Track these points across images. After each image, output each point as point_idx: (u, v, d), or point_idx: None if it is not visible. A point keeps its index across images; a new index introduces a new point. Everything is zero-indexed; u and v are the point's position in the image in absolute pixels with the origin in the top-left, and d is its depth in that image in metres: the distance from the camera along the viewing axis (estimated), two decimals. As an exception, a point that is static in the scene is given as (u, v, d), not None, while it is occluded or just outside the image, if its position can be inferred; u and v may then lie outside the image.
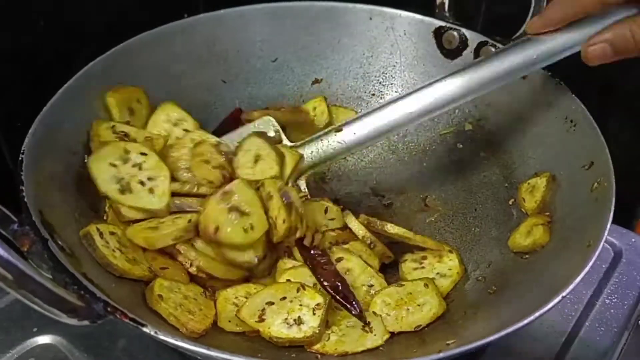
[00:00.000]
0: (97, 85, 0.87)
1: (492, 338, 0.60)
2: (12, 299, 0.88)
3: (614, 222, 0.71)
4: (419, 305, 0.76)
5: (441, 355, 0.59)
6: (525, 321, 0.61)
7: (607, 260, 0.97)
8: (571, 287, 0.64)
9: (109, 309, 0.58)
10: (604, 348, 0.86)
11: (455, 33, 1.00)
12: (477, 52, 0.98)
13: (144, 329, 0.58)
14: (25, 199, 0.67)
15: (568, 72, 0.89)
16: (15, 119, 0.81)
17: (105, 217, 0.82)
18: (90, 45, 0.90)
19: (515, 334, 0.61)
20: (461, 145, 1.01)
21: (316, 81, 1.08)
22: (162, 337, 0.57)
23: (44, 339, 0.84)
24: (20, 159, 0.71)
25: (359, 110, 1.08)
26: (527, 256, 0.81)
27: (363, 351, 0.71)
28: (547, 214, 0.82)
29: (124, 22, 0.96)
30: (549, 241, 0.79)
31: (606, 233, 0.69)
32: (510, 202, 0.90)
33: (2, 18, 0.84)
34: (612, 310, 0.91)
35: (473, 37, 0.98)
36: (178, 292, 0.74)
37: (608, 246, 0.98)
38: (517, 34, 0.94)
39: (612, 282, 0.95)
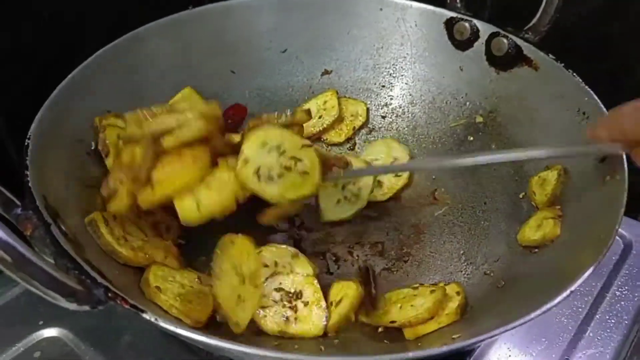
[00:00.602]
0: (104, 73, 0.87)
1: (495, 332, 0.59)
2: (18, 293, 0.87)
3: (623, 213, 0.69)
4: (412, 305, 0.75)
5: (444, 348, 0.58)
6: (531, 315, 0.60)
7: (617, 252, 0.96)
8: (579, 282, 0.62)
9: (109, 294, 0.58)
10: (614, 340, 0.85)
11: (466, 24, 0.98)
12: (488, 43, 0.97)
13: (144, 316, 0.57)
14: (30, 184, 0.67)
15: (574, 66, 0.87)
16: (18, 115, 0.81)
17: None
18: (92, 41, 0.89)
19: (525, 326, 0.60)
20: (472, 138, 0.99)
21: (326, 72, 1.07)
22: (162, 324, 0.57)
23: (50, 332, 0.84)
24: (26, 144, 0.71)
25: (369, 103, 1.07)
26: (536, 250, 0.79)
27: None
28: (558, 207, 0.81)
29: (126, 17, 0.95)
30: (559, 235, 0.77)
31: (618, 227, 0.67)
32: (520, 196, 0.88)
33: (3, 15, 0.83)
34: (623, 303, 0.89)
35: (484, 28, 0.97)
36: (173, 281, 0.74)
37: (618, 238, 0.96)
38: (528, 26, 0.93)
39: (622, 274, 0.93)
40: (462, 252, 0.88)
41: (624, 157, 0.74)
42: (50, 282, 0.53)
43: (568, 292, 0.62)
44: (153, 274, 0.73)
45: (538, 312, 0.60)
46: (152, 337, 0.83)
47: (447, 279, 0.84)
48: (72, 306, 0.55)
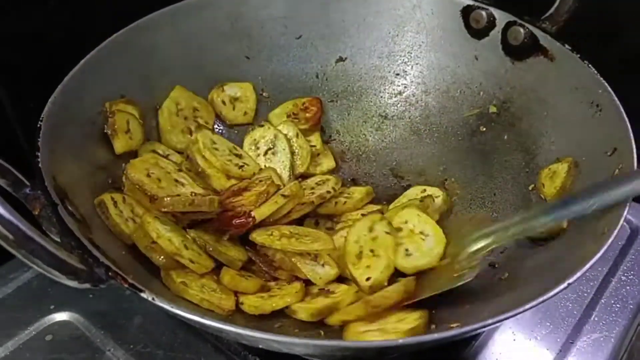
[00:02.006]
0: (118, 57, 0.88)
1: (488, 322, 0.59)
2: (30, 277, 0.90)
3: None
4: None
5: (435, 336, 0.58)
6: (527, 306, 0.60)
7: (624, 238, 0.96)
8: (578, 275, 0.62)
9: (110, 273, 0.59)
10: (619, 325, 0.85)
11: (483, 12, 0.97)
12: (504, 32, 0.95)
13: (142, 295, 0.59)
14: (40, 165, 0.68)
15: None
16: (26, 100, 0.82)
17: (122, 188, 0.84)
18: (101, 25, 0.90)
19: (531, 310, 0.60)
20: (484, 129, 0.98)
21: (340, 59, 1.07)
22: (159, 304, 0.58)
23: (61, 316, 0.86)
24: (38, 126, 0.73)
25: (382, 90, 1.07)
26: (542, 243, 0.79)
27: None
28: (566, 200, 0.80)
29: (135, 1, 0.96)
30: (566, 229, 0.76)
31: (622, 221, 0.66)
32: (530, 188, 0.88)
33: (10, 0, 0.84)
34: (628, 287, 0.90)
35: (501, 17, 0.95)
36: (190, 272, 0.75)
37: (625, 223, 0.94)
38: (546, 15, 0.92)
39: (629, 259, 0.93)
40: (468, 242, 0.87)
41: (634, 150, 0.73)
42: (52, 260, 0.54)
43: (566, 284, 0.61)
44: (175, 271, 0.74)
45: (534, 302, 0.60)
46: (162, 321, 0.86)
47: (451, 269, 0.84)
48: (73, 284, 0.57)
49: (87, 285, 0.58)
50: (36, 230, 0.53)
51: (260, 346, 0.62)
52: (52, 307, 0.87)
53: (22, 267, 0.90)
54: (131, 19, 0.90)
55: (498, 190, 0.92)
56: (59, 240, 0.63)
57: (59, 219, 0.63)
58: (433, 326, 0.72)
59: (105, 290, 0.86)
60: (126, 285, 0.59)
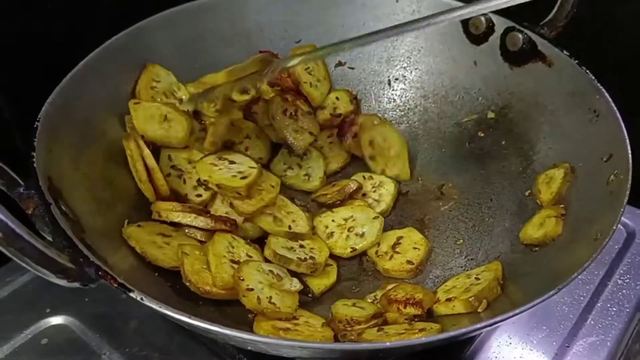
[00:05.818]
0: (117, 60, 0.89)
1: (480, 325, 0.59)
2: (25, 281, 0.90)
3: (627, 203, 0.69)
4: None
5: (423, 339, 0.58)
6: (520, 309, 0.60)
7: (620, 241, 0.95)
8: (570, 280, 0.62)
9: (100, 272, 0.59)
10: (615, 329, 0.84)
11: (482, 18, 0.97)
12: (503, 38, 0.95)
13: (131, 295, 0.59)
14: (35, 165, 0.69)
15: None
16: (24, 101, 0.83)
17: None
18: (101, 28, 0.91)
19: (527, 313, 0.60)
20: (482, 134, 0.98)
21: (340, 64, 1.07)
22: (148, 304, 0.58)
23: (57, 320, 0.86)
24: (35, 126, 0.73)
25: (381, 95, 1.07)
26: (537, 248, 0.78)
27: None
28: (562, 206, 0.80)
29: (135, 4, 0.96)
30: (561, 234, 0.76)
31: (616, 226, 0.66)
32: (526, 193, 0.87)
33: (12, 2, 0.85)
34: (625, 291, 0.89)
35: (500, 22, 0.95)
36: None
37: (621, 227, 0.96)
38: (544, 21, 0.91)
39: (625, 262, 0.93)
40: (464, 248, 0.87)
41: (630, 156, 0.73)
42: (41, 258, 0.55)
43: (556, 289, 0.61)
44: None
45: (523, 308, 0.60)
46: (158, 324, 0.85)
47: (446, 274, 0.83)
48: (62, 282, 0.57)
49: (76, 285, 0.58)
50: (25, 228, 0.53)
51: (249, 348, 0.62)
52: (47, 310, 0.86)
53: (18, 271, 0.90)
54: (130, 22, 0.91)
55: (495, 196, 0.91)
56: (51, 239, 0.63)
57: (52, 218, 0.63)
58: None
59: (100, 294, 0.87)
60: (115, 285, 0.59)
